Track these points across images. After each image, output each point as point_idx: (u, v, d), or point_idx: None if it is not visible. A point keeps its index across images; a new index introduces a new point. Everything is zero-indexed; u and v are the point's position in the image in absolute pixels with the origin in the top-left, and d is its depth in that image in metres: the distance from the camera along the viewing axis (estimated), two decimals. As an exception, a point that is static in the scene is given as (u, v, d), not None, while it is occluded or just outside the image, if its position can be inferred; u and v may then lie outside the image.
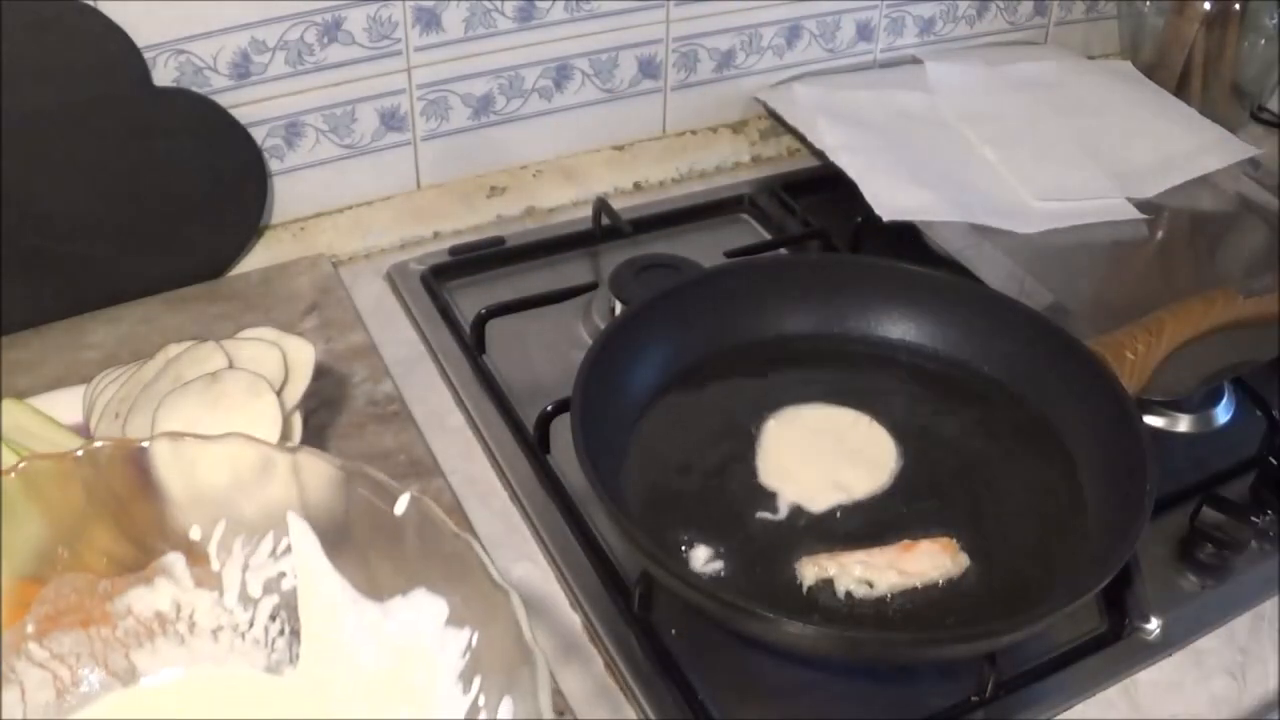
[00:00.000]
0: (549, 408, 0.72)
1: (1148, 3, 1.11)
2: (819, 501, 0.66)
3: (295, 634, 0.53)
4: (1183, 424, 0.77)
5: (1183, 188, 0.98)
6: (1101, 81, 1.10)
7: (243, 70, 0.82)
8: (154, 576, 0.53)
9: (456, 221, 0.93)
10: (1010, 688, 0.59)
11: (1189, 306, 0.77)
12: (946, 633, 0.58)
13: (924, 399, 0.73)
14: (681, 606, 0.61)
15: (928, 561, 0.61)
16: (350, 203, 0.92)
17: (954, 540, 0.63)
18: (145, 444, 0.50)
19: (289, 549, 0.52)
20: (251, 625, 0.54)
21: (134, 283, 0.82)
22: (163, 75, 0.79)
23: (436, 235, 0.92)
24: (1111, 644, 0.62)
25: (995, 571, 0.62)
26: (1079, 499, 0.66)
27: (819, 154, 0.96)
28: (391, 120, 0.90)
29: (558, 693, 0.59)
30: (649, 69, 0.98)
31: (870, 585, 0.60)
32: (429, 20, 0.87)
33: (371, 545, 0.50)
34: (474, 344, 0.80)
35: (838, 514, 0.66)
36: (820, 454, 0.69)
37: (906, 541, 0.62)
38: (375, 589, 0.50)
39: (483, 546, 0.47)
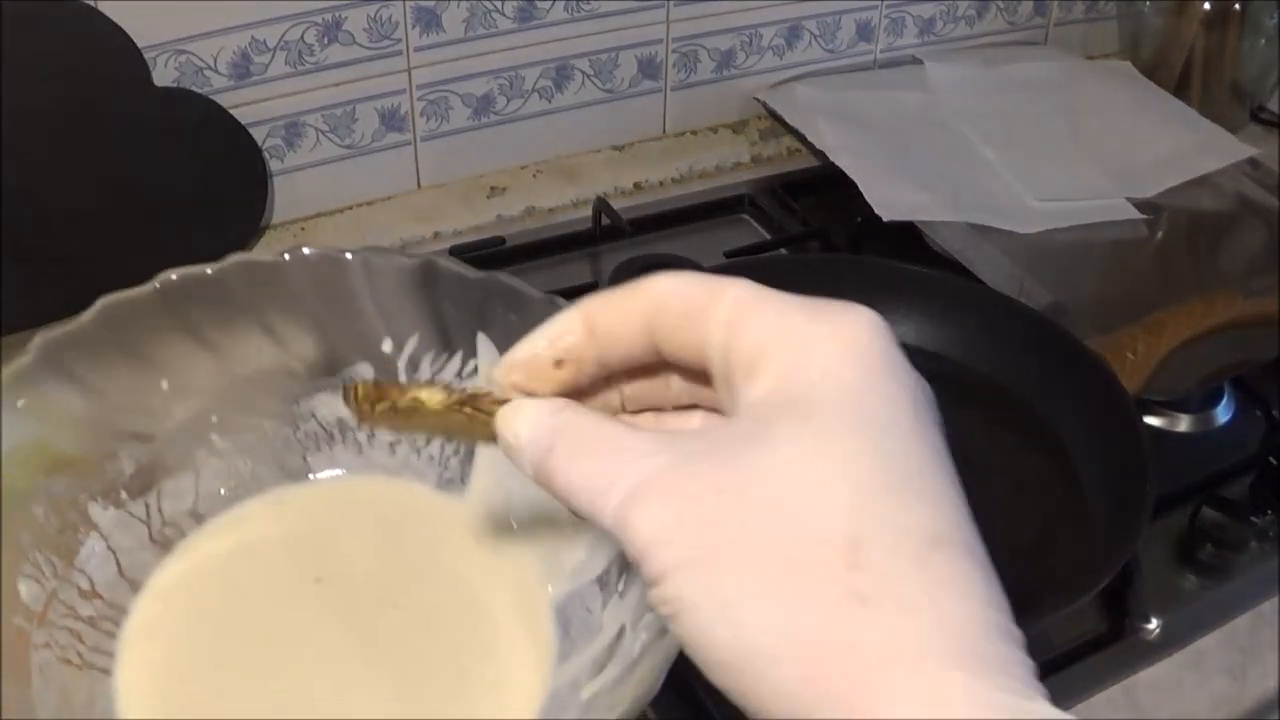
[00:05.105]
0: (549, 408, 0.71)
1: (1148, 3, 1.11)
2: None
3: (470, 455, 0.54)
4: (1183, 424, 0.77)
5: (1182, 188, 0.98)
6: (1101, 81, 1.10)
7: (243, 70, 0.82)
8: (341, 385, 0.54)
9: (456, 221, 0.93)
10: (1010, 688, 0.59)
11: (1189, 306, 0.77)
12: (946, 633, 0.58)
13: (924, 399, 0.73)
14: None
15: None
16: (350, 203, 0.92)
17: (954, 540, 0.63)
18: (347, 254, 0.53)
19: (475, 371, 0.53)
20: (428, 442, 0.55)
21: (134, 283, 0.81)
22: (163, 75, 0.79)
23: (436, 235, 0.92)
24: (1111, 644, 0.62)
25: (995, 572, 0.62)
26: (1079, 499, 0.66)
27: (819, 154, 0.96)
28: (392, 120, 0.90)
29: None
30: (649, 69, 0.98)
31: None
32: (429, 20, 0.87)
33: None
34: (474, 344, 0.80)
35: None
36: None
37: (907, 543, 0.62)
38: None
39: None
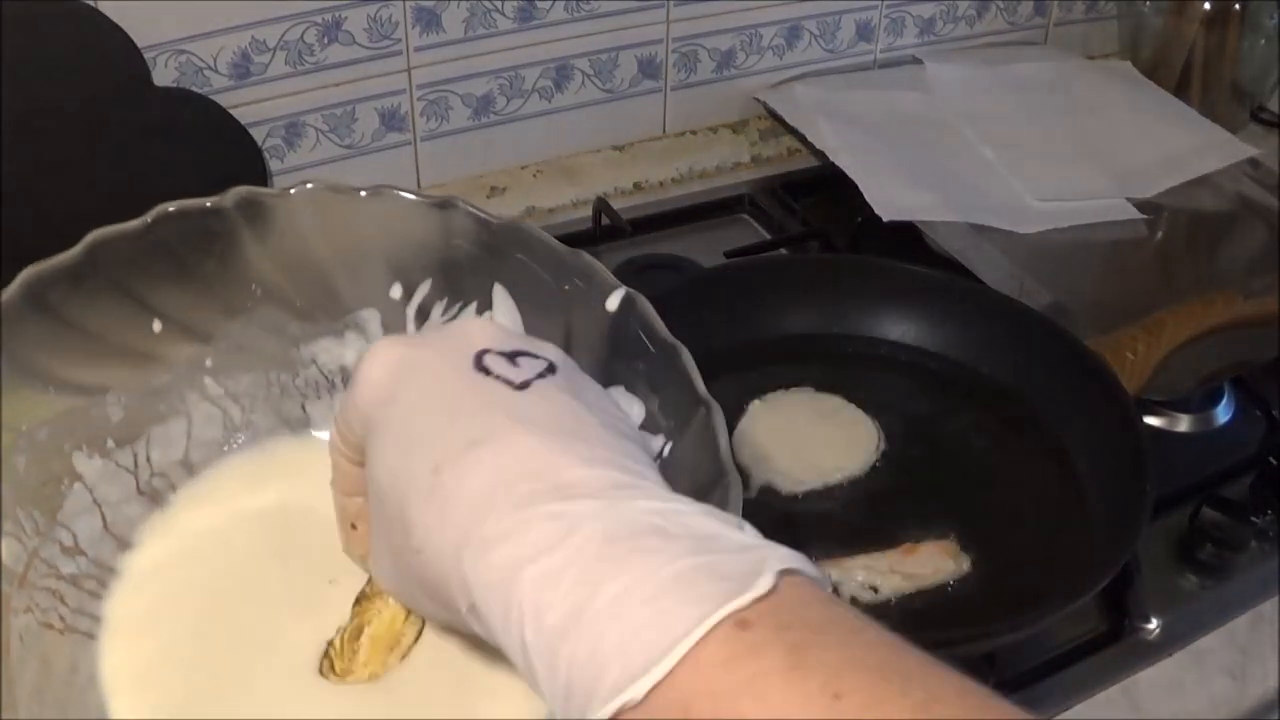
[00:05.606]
0: (549, 408, 0.71)
1: (1148, 3, 1.11)
2: (791, 483, 0.66)
3: None
4: (1183, 424, 0.77)
5: (1182, 188, 0.98)
6: (1101, 81, 1.10)
7: (243, 70, 0.82)
8: (345, 330, 0.52)
9: (456, 221, 0.93)
10: (1010, 688, 0.59)
11: (1189, 306, 0.77)
12: (946, 633, 0.58)
13: (923, 399, 0.73)
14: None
15: (930, 564, 0.61)
16: (350, 203, 0.92)
17: (954, 542, 0.63)
18: (359, 190, 0.50)
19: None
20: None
21: (134, 283, 0.82)
22: (163, 75, 0.79)
23: (436, 235, 0.92)
24: (1111, 644, 0.62)
25: (995, 572, 0.62)
26: (1079, 499, 0.66)
27: (819, 154, 0.96)
28: (392, 120, 0.90)
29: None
30: (649, 69, 0.98)
31: (875, 590, 0.60)
32: (429, 20, 0.87)
33: (573, 335, 0.47)
34: (474, 344, 0.80)
35: (817, 498, 0.66)
36: (799, 437, 0.69)
37: (908, 545, 0.62)
38: None
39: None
